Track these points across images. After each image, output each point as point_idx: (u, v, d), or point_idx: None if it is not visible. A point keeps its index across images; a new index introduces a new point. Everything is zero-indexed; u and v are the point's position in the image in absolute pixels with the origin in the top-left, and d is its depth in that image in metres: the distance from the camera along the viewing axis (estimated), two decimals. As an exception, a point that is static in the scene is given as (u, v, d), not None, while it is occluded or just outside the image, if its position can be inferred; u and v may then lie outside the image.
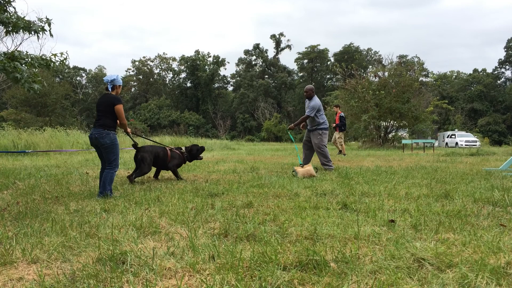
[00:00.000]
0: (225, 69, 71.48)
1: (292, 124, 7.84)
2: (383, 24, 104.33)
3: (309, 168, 6.54)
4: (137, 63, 66.14)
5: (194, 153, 6.48)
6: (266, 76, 64.47)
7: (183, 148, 6.46)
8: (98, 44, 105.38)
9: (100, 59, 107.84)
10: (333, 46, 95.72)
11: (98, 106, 4.77)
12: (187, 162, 6.59)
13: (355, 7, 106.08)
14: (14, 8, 6.62)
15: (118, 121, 4.79)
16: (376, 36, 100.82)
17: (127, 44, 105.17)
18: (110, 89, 4.79)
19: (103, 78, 4.94)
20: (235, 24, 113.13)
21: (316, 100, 7.62)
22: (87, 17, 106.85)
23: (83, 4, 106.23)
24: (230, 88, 69.95)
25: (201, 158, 6.65)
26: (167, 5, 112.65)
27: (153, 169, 6.25)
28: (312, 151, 7.90)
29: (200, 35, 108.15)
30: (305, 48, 64.20)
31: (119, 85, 4.89)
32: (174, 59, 65.77)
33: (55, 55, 7.01)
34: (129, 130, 5.15)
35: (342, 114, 14.61)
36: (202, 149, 6.59)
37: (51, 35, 6.81)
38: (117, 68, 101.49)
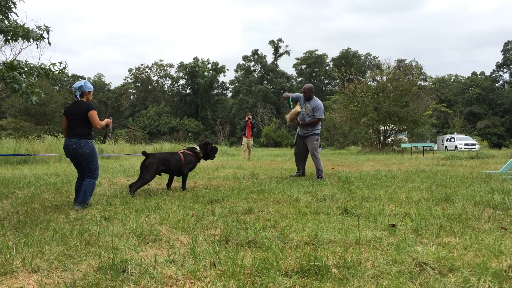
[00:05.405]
0: (225, 75, 72.02)
1: (301, 122, 7.34)
2: (369, 29, 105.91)
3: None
4: (134, 71, 66.34)
5: (209, 152, 6.37)
6: (265, 82, 64.63)
7: (197, 148, 6.26)
8: (88, 52, 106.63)
9: (93, 67, 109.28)
10: (323, 51, 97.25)
11: (69, 115, 4.57)
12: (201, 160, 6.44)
13: (340, 12, 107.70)
14: (16, 13, 6.64)
15: (94, 126, 4.61)
16: (364, 41, 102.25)
17: (117, 51, 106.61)
18: (79, 96, 4.61)
19: (72, 86, 4.77)
20: (224, 31, 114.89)
21: (319, 101, 7.34)
22: (75, 25, 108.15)
23: (71, 12, 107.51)
24: (229, 94, 70.12)
25: (213, 158, 6.53)
26: (156, 11, 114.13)
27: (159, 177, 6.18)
28: (306, 158, 7.65)
29: (190, 41, 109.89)
30: (303, 53, 64.57)
31: (89, 91, 4.68)
32: (171, 65, 66.00)
33: (54, 64, 7.03)
34: (103, 124, 4.71)
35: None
36: (215, 149, 6.51)
37: (49, 43, 6.82)
38: (113, 75, 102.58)
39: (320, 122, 7.43)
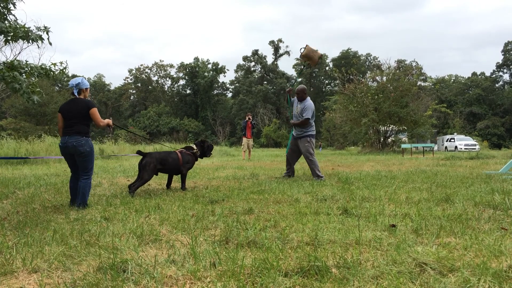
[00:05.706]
0: (225, 76, 72.45)
1: (292, 122, 7.48)
2: (369, 29, 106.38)
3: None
4: (134, 71, 66.36)
5: (205, 149, 6.33)
6: (265, 82, 64.65)
7: (194, 147, 6.21)
8: (88, 52, 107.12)
9: (93, 67, 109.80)
10: (323, 51, 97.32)
11: (66, 112, 4.47)
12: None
13: (340, 12, 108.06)
14: (14, 16, 6.63)
15: (96, 124, 4.56)
16: (365, 41, 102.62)
17: (117, 51, 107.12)
18: (76, 94, 4.53)
19: (68, 83, 4.67)
20: (224, 31, 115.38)
21: (310, 101, 7.31)
22: (75, 25, 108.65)
23: (71, 12, 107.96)
24: (229, 95, 70.15)
25: (210, 155, 6.49)
26: (156, 11, 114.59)
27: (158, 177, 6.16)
28: (296, 160, 7.64)
29: (190, 41, 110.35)
30: (304, 53, 64.52)
31: (86, 88, 4.62)
32: (171, 66, 66.03)
33: (54, 64, 7.03)
34: (105, 122, 4.66)
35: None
36: (211, 146, 6.47)
37: (49, 43, 6.82)
38: (113, 76, 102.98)
39: (313, 124, 7.33)
